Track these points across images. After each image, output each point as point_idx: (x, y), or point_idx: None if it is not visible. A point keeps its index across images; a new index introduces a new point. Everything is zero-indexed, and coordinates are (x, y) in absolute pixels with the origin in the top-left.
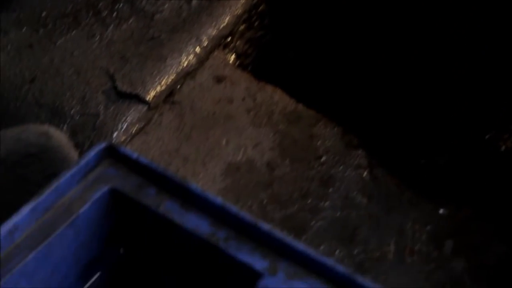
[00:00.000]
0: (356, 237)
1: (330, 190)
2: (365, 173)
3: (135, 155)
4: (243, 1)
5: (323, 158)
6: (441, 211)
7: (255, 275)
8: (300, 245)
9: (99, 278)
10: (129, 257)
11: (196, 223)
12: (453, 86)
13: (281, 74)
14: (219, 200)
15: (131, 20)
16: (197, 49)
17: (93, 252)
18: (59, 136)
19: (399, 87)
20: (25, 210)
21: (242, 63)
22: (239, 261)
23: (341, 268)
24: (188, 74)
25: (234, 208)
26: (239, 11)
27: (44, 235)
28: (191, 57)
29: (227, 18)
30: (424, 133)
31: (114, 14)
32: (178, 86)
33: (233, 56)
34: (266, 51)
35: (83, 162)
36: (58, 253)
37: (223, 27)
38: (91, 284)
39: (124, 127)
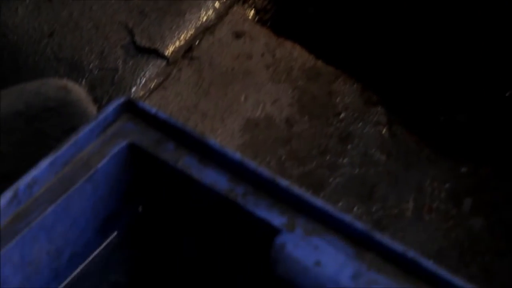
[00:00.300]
0: (374, 194)
1: (349, 147)
2: (384, 130)
3: (153, 110)
4: None
5: (342, 115)
6: (460, 169)
7: (273, 231)
8: (319, 202)
9: (117, 236)
10: (147, 215)
11: (214, 178)
12: (473, 42)
13: (300, 30)
14: (237, 155)
15: None
16: (216, 4)
17: (112, 207)
18: (78, 91)
19: (419, 43)
20: (44, 164)
21: (261, 19)
22: (257, 217)
23: (359, 224)
24: (207, 29)
25: (252, 163)
26: None
27: (62, 189)
28: (210, 12)
29: None
30: (443, 90)
31: None
32: (197, 42)
33: (252, 12)
34: (285, 7)
35: (101, 116)
36: (76, 207)
37: None
38: (109, 242)
39: (143, 82)
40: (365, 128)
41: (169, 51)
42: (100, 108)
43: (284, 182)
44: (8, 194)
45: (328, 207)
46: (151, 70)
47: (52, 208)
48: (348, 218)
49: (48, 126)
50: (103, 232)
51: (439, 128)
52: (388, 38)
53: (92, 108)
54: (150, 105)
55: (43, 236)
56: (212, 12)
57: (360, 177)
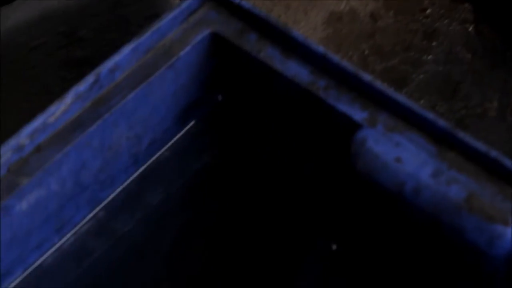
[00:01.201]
0: (458, 92)
1: (434, 43)
2: (470, 28)
3: None
4: None
5: (428, 11)
6: None
7: (353, 126)
8: (401, 97)
9: (195, 124)
10: (227, 104)
11: (296, 71)
12: None
13: None
14: (321, 48)
15: None
16: None
17: (192, 96)
18: None
19: None
20: (126, 49)
21: None
22: (338, 111)
23: (442, 122)
24: None
25: (335, 57)
26: None
27: (144, 75)
28: None
29: None
30: None
31: None
32: None
33: None
34: None
35: (185, 4)
36: (157, 94)
37: None
38: (187, 130)
39: None
40: (451, 25)
41: None
42: None
43: (367, 77)
44: (89, 78)
45: (411, 104)
46: None
47: (133, 94)
48: (430, 115)
49: (130, 12)
50: (182, 120)
51: None
52: None
53: None
54: None
55: (123, 122)
56: None
57: (444, 74)
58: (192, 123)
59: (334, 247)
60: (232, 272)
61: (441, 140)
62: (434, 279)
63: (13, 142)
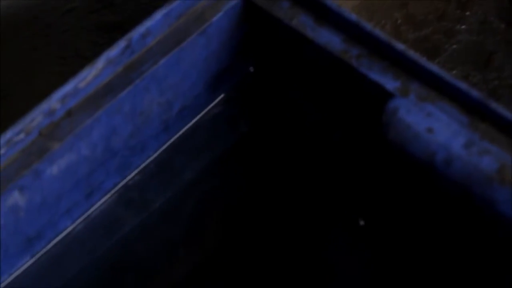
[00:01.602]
0: (491, 63)
1: (467, 13)
2: None
3: None
4: None
5: None
6: None
7: (385, 95)
8: (434, 67)
9: (227, 94)
10: (258, 74)
11: (329, 39)
12: None
13: None
14: (353, 16)
15: None
16: None
17: (223, 63)
18: None
19: None
20: (158, 15)
21: None
22: (370, 80)
23: (474, 92)
24: None
25: (368, 25)
26: None
27: (176, 41)
28: None
29: None
30: None
31: None
32: None
33: None
34: None
35: None
36: (188, 60)
37: None
38: (219, 99)
39: None
40: None
41: None
42: None
43: (399, 46)
44: (121, 43)
45: (444, 73)
46: None
47: (165, 60)
48: (463, 85)
49: None
50: (213, 88)
51: None
52: None
53: None
54: None
55: (154, 87)
56: None
57: (477, 44)
58: (223, 92)
59: (361, 222)
60: (256, 244)
61: (473, 110)
62: (464, 252)
63: (44, 106)
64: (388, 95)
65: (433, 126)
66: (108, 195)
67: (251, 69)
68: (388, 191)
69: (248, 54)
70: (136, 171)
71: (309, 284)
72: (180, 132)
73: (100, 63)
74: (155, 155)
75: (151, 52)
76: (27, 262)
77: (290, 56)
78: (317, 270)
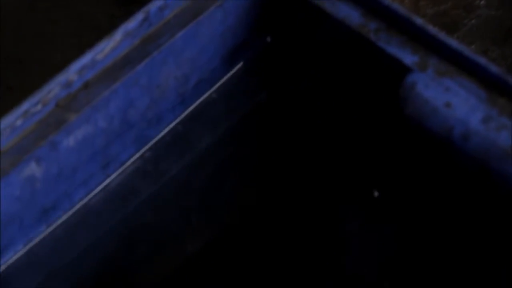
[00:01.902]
0: (510, 38)
1: None
2: None
3: None
4: None
5: None
6: None
7: (403, 70)
8: (453, 42)
9: (243, 66)
10: (275, 47)
11: (347, 12)
12: None
13: None
14: None
15: None
16: None
17: (240, 37)
18: None
19: None
20: None
21: None
22: (389, 54)
23: (493, 67)
24: None
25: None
26: None
27: (193, 15)
28: None
29: None
30: None
31: None
32: None
33: None
34: None
35: None
36: (206, 33)
37: None
38: (235, 71)
39: None
40: None
41: None
42: None
43: (418, 20)
44: (139, 16)
45: (463, 48)
46: None
47: (182, 33)
48: (482, 60)
49: None
50: (230, 61)
51: None
52: None
53: None
54: None
55: (171, 60)
56: None
57: (497, 19)
58: (239, 65)
59: (376, 194)
60: (270, 215)
61: (492, 85)
62: (481, 227)
63: (62, 77)
64: (406, 70)
65: (451, 101)
66: (124, 167)
67: (268, 39)
68: (405, 166)
69: (266, 28)
70: (152, 143)
71: (324, 255)
72: (196, 103)
73: (117, 35)
74: (171, 126)
75: (168, 25)
76: (42, 233)
77: (308, 30)
78: (331, 241)
